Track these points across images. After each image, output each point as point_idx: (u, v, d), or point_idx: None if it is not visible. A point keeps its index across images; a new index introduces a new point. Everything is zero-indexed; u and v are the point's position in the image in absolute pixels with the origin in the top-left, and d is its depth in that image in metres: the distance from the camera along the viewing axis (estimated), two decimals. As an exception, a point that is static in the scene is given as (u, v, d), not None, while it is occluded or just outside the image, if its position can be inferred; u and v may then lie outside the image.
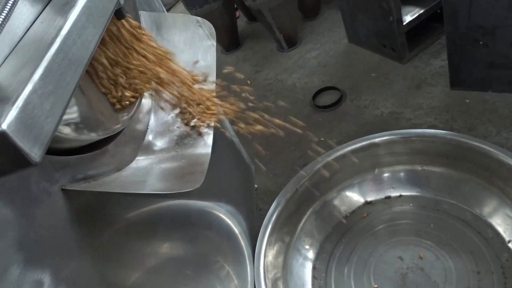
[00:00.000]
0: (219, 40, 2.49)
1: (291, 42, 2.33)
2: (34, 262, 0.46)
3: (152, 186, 0.60)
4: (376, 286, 1.12)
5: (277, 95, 2.04)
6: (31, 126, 0.31)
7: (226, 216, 1.28)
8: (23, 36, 0.41)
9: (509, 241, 1.09)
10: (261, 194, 1.61)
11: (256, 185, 1.62)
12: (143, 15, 0.91)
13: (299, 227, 1.29)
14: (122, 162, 0.68)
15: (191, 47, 0.94)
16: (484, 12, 1.35)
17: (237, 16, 2.77)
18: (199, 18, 0.97)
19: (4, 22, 0.36)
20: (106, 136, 0.61)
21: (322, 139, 1.69)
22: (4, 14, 0.36)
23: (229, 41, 2.61)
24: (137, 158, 0.71)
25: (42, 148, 0.32)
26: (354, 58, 2.04)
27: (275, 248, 1.22)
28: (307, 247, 1.26)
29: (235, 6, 2.63)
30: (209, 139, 0.78)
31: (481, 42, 1.43)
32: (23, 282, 0.44)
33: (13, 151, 0.30)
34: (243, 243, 1.28)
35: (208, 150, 0.72)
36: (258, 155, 1.72)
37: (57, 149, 0.53)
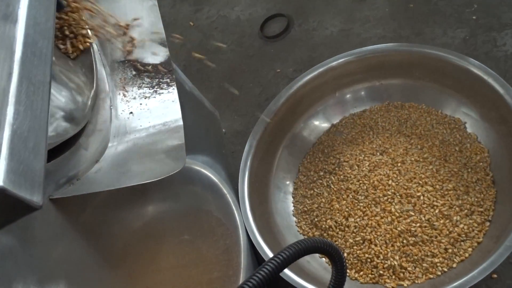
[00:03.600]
0: (149, -17, 2.32)
1: (226, -28, 2.22)
2: (48, 280, 0.47)
3: (137, 175, 0.60)
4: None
5: (224, 32, 1.99)
6: (24, 172, 0.30)
7: (204, 168, 1.30)
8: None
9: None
10: (231, 137, 1.62)
11: (224, 130, 1.63)
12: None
13: (275, 165, 1.34)
14: (96, 152, 0.67)
15: (132, 10, 0.89)
16: None
17: (161, -48, 2.58)
18: (133, -23, 0.91)
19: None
20: (80, 128, 0.59)
21: (278, 70, 1.69)
22: None
23: (160, -18, 2.44)
24: (110, 144, 0.70)
25: (41, 190, 0.31)
26: (294, -21, 1.98)
27: (256, 190, 1.26)
28: (285, 181, 1.32)
29: None
30: (176, 107, 0.77)
31: None
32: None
33: (15, 202, 0.30)
34: (225, 190, 1.31)
35: (180, 122, 0.72)
36: (219, 100, 1.72)
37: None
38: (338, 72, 1.36)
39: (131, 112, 0.77)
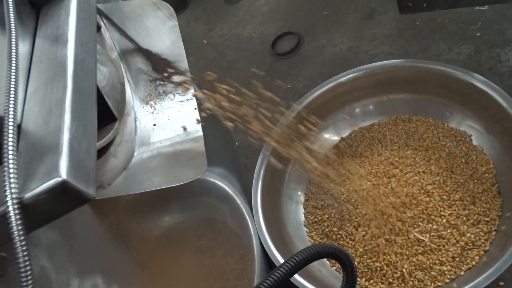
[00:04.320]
0: (164, 3, 2.43)
1: (238, -8, 2.31)
2: (86, 271, 0.52)
3: (161, 181, 0.66)
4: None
5: (236, 50, 2.06)
6: (80, 169, 0.36)
7: (219, 180, 1.35)
8: (28, 77, 0.45)
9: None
10: (243, 150, 1.68)
11: (237, 143, 1.69)
12: (100, 8, 0.91)
13: (287, 176, 1.39)
14: (124, 160, 0.73)
15: (155, 30, 0.96)
16: None
17: (176, -27, 2.69)
18: (155, 0, 0.98)
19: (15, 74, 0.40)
20: (112, 138, 0.65)
21: (290, 86, 1.75)
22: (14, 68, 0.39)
23: (175, 3, 2.54)
24: (136, 153, 0.76)
25: (94, 184, 0.37)
26: (304, -1, 2.06)
27: (269, 200, 1.31)
28: (297, 191, 1.37)
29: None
30: (196, 116, 0.83)
31: (422, -35, 1.48)
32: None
33: (74, 193, 0.35)
34: (240, 201, 1.36)
35: (199, 126, 0.77)
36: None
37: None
38: (347, 87, 1.42)
39: (154, 124, 0.83)
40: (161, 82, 0.90)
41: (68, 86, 0.41)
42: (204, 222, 1.26)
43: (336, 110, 1.46)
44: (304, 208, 1.38)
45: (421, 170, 1.26)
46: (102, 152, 0.68)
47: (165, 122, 0.82)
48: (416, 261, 1.13)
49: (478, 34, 1.48)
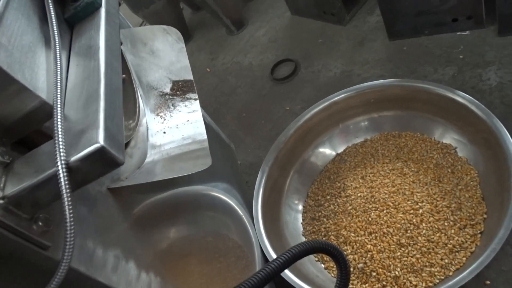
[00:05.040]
0: (170, 36, 2.58)
1: (239, 24, 2.47)
2: (109, 243, 0.61)
3: (170, 172, 0.76)
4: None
5: (238, 77, 2.19)
6: (113, 139, 0.46)
7: (223, 194, 1.44)
8: (67, 77, 0.55)
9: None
10: (245, 168, 1.77)
11: (239, 161, 1.78)
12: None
13: (286, 187, 1.48)
14: (139, 160, 0.83)
15: (165, 52, 1.08)
16: (404, -31, 1.54)
17: (181, 8, 2.86)
18: (164, 26, 1.11)
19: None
20: (128, 140, 0.75)
21: (288, 108, 1.87)
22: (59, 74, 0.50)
23: (179, 35, 2.71)
24: (148, 155, 0.86)
25: (122, 153, 0.47)
26: (300, 29, 2.20)
27: (269, 211, 1.39)
28: (296, 202, 1.45)
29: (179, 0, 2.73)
30: (199, 126, 0.93)
31: (406, -5, 1.62)
32: (107, 257, 0.60)
33: (109, 157, 0.45)
34: (242, 213, 1.45)
35: (204, 136, 0.87)
36: (234, 135, 1.88)
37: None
38: (341, 106, 1.53)
39: (164, 132, 0.93)
40: (170, 97, 1.01)
41: (102, 80, 0.51)
42: (209, 235, 1.34)
43: (331, 127, 1.56)
44: (303, 220, 1.46)
45: (411, 180, 1.35)
46: (120, 152, 0.78)
47: (174, 130, 0.93)
48: (407, 264, 1.20)
49: (460, 56, 1.61)
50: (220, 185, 1.46)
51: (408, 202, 1.29)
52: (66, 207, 0.44)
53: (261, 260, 1.37)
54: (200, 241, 1.29)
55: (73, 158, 0.44)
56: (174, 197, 1.12)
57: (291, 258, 0.84)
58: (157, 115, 0.97)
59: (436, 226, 1.23)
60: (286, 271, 1.24)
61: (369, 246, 1.27)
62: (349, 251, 1.30)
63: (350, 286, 1.27)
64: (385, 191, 1.34)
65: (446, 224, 1.22)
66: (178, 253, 1.22)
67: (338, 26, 2.05)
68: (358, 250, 1.28)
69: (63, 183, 0.44)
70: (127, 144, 0.82)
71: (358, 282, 1.25)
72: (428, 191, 1.30)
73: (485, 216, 1.21)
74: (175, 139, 0.89)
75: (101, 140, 0.44)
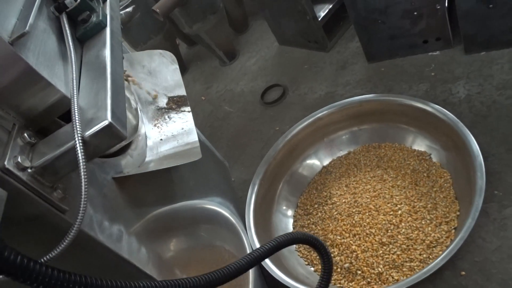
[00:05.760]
0: (167, 69, 2.75)
1: (231, 55, 2.64)
2: (115, 219, 0.72)
3: (165, 163, 0.88)
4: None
5: (231, 102, 2.34)
6: (118, 119, 0.58)
7: (218, 207, 1.55)
8: (80, 78, 0.68)
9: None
10: (239, 184, 1.88)
11: (233, 178, 1.89)
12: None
13: (276, 197, 1.59)
14: (138, 160, 0.95)
15: (161, 72, 1.22)
16: (375, -3, 1.71)
17: (177, 43, 3.05)
18: (160, 50, 1.26)
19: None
20: (129, 141, 0.88)
21: (277, 128, 2.00)
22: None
23: (175, 68, 2.88)
24: (147, 156, 0.98)
25: (125, 130, 0.59)
26: (287, 57, 2.37)
27: (261, 217, 1.50)
28: (284, 208, 1.56)
29: (175, 36, 2.92)
30: (192, 133, 1.05)
31: (379, 21, 1.79)
32: (112, 230, 0.70)
33: (115, 132, 0.57)
34: (235, 222, 1.55)
35: (195, 139, 1.00)
36: (229, 155, 2.00)
37: (105, 154, 0.80)
38: (324, 121, 1.66)
39: (161, 139, 1.05)
40: (166, 110, 1.14)
41: (108, 79, 0.64)
42: (206, 247, 1.43)
43: (317, 142, 1.69)
44: (293, 228, 1.56)
45: (390, 185, 1.46)
46: (124, 152, 0.90)
47: (169, 137, 1.05)
48: (389, 261, 1.29)
49: (432, 74, 1.75)
50: (215, 199, 1.57)
51: (388, 205, 1.40)
52: (82, 173, 0.56)
53: (255, 268, 1.46)
54: (199, 253, 1.39)
55: (87, 133, 0.56)
56: (173, 211, 1.23)
57: (275, 246, 0.95)
58: (155, 125, 1.10)
59: (414, 225, 1.33)
60: (279, 273, 1.33)
61: (354, 246, 1.36)
62: (336, 253, 1.39)
63: (338, 285, 1.36)
64: (367, 196, 1.45)
65: (423, 222, 1.33)
66: (178, 264, 1.30)
67: (321, 53, 2.22)
68: (344, 251, 1.38)
69: (79, 154, 0.56)
70: (127, 146, 0.94)
71: (345, 281, 1.34)
72: (406, 194, 1.41)
73: (458, 213, 1.32)
74: (170, 144, 1.01)
75: (109, 118, 0.56)
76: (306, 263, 1.46)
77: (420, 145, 1.53)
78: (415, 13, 1.71)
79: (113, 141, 0.58)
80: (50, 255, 0.55)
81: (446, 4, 1.70)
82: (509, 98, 1.51)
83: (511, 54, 1.62)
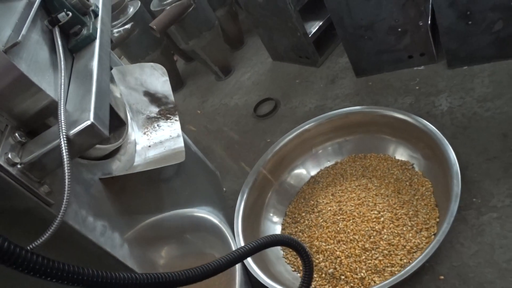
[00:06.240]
0: (164, 83, 2.83)
1: (226, 70, 2.72)
2: (99, 216, 0.78)
3: (151, 165, 0.94)
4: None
5: (225, 116, 2.41)
6: (100, 120, 0.64)
7: (208, 215, 1.59)
8: (69, 84, 0.75)
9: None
10: (230, 195, 1.93)
11: (224, 188, 1.95)
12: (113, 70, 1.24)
13: (265, 204, 1.64)
14: (127, 164, 1.00)
15: (152, 84, 1.29)
16: (361, 13, 1.78)
17: (175, 60, 3.14)
18: (151, 63, 1.33)
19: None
20: (116, 146, 0.94)
21: (269, 140, 2.06)
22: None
23: (173, 83, 2.95)
24: (135, 161, 1.03)
25: (107, 130, 0.65)
26: (280, 72, 2.45)
27: (250, 224, 1.54)
28: (271, 214, 1.61)
29: (172, 52, 3.01)
30: (179, 140, 1.11)
31: (366, 37, 1.86)
32: (96, 225, 0.76)
33: (96, 132, 0.63)
34: (224, 229, 1.59)
35: (181, 144, 1.06)
36: (221, 166, 2.06)
37: (94, 157, 0.86)
38: (312, 133, 1.72)
39: (149, 146, 1.11)
40: (155, 119, 1.20)
41: (93, 85, 0.70)
42: (197, 254, 1.48)
43: (305, 153, 1.74)
44: (281, 236, 1.60)
45: (374, 193, 1.51)
46: (113, 156, 0.96)
47: (157, 144, 1.11)
48: (371, 266, 1.33)
49: (417, 87, 1.82)
50: (205, 208, 1.62)
51: (372, 212, 1.44)
52: (66, 169, 0.62)
53: (241, 272, 1.50)
54: (189, 260, 1.43)
55: (72, 132, 0.62)
56: (163, 220, 1.28)
57: (257, 246, 1.00)
58: (144, 133, 1.16)
59: (396, 231, 1.37)
60: (267, 280, 1.37)
61: (338, 252, 1.41)
62: (321, 259, 1.44)
63: (322, 292, 1.40)
64: (352, 204, 1.50)
65: (404, 229, 1.37)
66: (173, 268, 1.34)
67: (313, 68, 2.29)
68: (329, 257, 1.42)
69: (64, 151, 0.62)
70: (117, 151, 1.00)
71: (329, 286, 1.38)
72: (389, 202, 1.46)
73: (437, 220, 1.36)
74: (158, 150, 1.07)
75: (91, 118, 0.62)
76: (293, 269, 1.50)
77: (402, 154, 1.59)
78: (399, 29, 1.78)
79: (95, 140, 0.64)
80: (35, 243, 0.60)
81: (429, 21, 1.78)
82: (489, 110, 1.57)
83: (491, 68, 1.69)
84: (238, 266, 1.55)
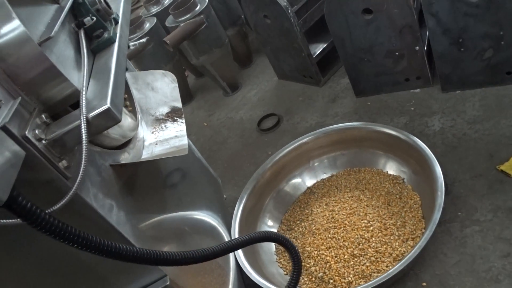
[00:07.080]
0: (174, 96, 2.96)
1: (234, 87, 2.85)
2: (107, 195, 0.87)
3: (156, 157, 1.04)
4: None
5: (230, 129, 2.51)
6: (115, 106, 0.74)
7: (207, 217, 1.68)
8: (90, 77, 0.86)
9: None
10: (230, 202, 2.01)
11: (225, 196, 2.03)
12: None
13: (263, 210, 1.72)
14: (135, 157, 1.11)
15: (162, 89, 1.40)
16: (361, 37, 1.90)
17: (186, 75, 3.28)
18: (163, 71, 1.44)
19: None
20: (129, 138, 1.04)
21: (270, 153, 2.15)
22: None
23: (182, 96, 3.08)
24: (143, 154, 1.14)
25: (120, 115, 0.75)
26: (284, 90, 2.56)
27: (246, 229, 1.63)
28: (268, 219, 1.69)
29: (183, 67, 3.15)
30: (183, 139, 1.21)
31: (365, 59, 1.97)
32: (105, 200, 0.85)
33: (111, 115, 0.73)
34: (222, 231, 1.68)
35: (185, 142, 1.16)
36: (224, 175, 2.15)
37: (106, 146, 0.96)
38: (310, 146, 1.82)
39: (156, 143, 1.22)
40: (163, 121, 1.31)
41: (111, 78, 0.81)
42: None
43: (302, 165, 1.84)
44: (276, 241, 1.68)
45: (365, 204, 1.59)
46: (123, 149, 1.06)
47: (163, 141, 1.21)
48: (359, 271, 1.41)
49: (412, 108, 1.92)
50: (205, 212, 1.71)
51: (362, 221, 1.52)
52: (84, 146, 0.72)
53: (235, 275, 1.58)
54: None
55: (91, 114, 0.73)
56: (164, 222, 1.37)
57: (247, 240, 1.10)
58: (152, 132, 1.27)
59: (383, 240, 1.45)
60: (260, 279, 1.44)
61: (328, 258, 1.48)
62: (312, 263, 1.51)
63: (311, 295, 1.47)
64: (344, 213, 1.58)
65: (392, 238, 1.45)
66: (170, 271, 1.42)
67: (315, 87, 2.40)
68: (319, 262, 1.49)
69: (83, 130, 0.72)
70: (126, 144, 1.10)
71: (319, 290, 1.45)
72: (379, 213, 1.54)
73: (423, 230, 1.44)
74: (163, 146, 1.18)
75: (108, 103, 0.73)
76: (285, 273, 1.57)
77: (394, 169, 1.67)
78: (397, 53, 1.89)
79: (110, 123, 0.74)
80: (51, 209, 0.70)
81: (425, 47, 1.89)
82: (478, 131, 1.66)
83: (482, 93, 1.79)
84: (232, 266, 1.63)
